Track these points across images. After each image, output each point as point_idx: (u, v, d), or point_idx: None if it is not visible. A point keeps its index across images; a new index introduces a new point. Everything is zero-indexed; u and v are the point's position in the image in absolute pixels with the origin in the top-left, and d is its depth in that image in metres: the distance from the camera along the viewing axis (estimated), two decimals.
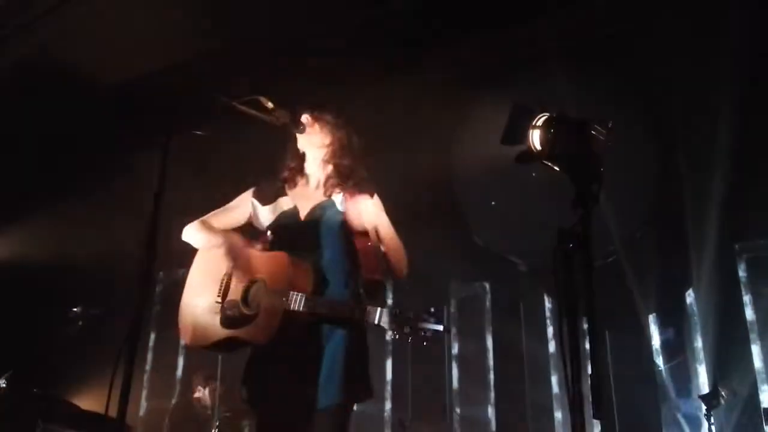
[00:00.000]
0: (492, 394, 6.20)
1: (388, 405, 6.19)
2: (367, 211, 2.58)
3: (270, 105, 2.59)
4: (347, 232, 2.61)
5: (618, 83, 4.04)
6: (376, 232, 2.59)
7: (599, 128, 1.84)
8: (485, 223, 5.47)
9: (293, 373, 2.43)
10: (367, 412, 5.97)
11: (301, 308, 2.39)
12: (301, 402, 2.40)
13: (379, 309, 2.36)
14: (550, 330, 6.16)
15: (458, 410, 6.24)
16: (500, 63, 4.60)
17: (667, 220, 5.61)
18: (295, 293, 2.41)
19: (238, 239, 2.64)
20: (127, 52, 3.66)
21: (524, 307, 6.29)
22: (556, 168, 1.92)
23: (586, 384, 1.71)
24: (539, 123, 1.91)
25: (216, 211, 2.79)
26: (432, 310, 2.36)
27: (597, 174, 1.82)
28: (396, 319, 2.34)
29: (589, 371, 1.71)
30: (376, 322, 2.35)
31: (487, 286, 6.51)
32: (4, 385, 3.28)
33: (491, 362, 6.31)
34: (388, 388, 6.23)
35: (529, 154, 1.94)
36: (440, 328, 2.35)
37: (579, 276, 1.79)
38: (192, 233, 2.71)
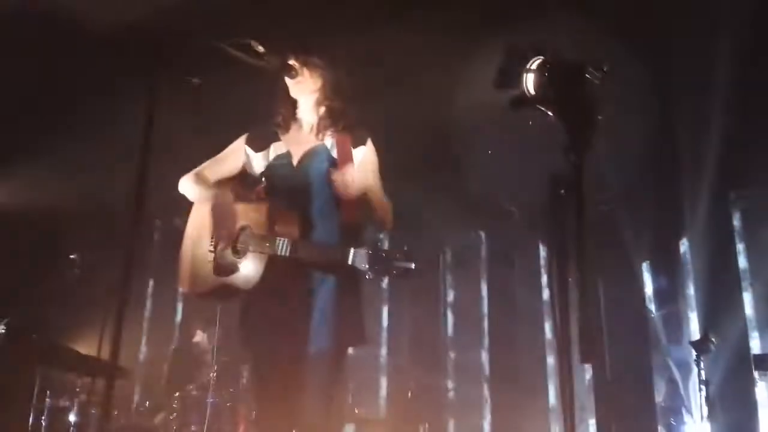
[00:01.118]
0: (486, 340, 6.31)
1: (383, 350, 6.30)
2: (360, 176, 2.56)
3: (261, 49, 2.55)
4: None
5: (616, 28, 3.96)
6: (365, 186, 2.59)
7: (594, 72, 1.80)
8: (482, 172, 5.45)
9: (285, 318, 2.45)
10: (363, 357, 6.08)
11: (286, 253, 2.40)
12: (295, 346, 2.43)
13: (352, 249, 2.36)
14: (544, 278, 6.23)
15: (452, 355, 6.35)
16: (498, 6, 4.51)
17: (662, 169, 5.60)
18: (281, 239, 2.42)
19: (228, 196, 2.63)
20: None
21: (519, 255, 6.33)
22: (550, 113, 1.89)
23: (577, 329, 1.72)
24: (533, 66, 1.87)
25: (210, 161, 2.78)
26: (405, 248, 2.37)
27: (591, 119, 1.80)
28: (369, 259, 2.34)
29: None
30: (350, 262, 2.36)
31: (483, 235, 6.55)
32: (2, 331, 3.32)
33: (486, 309, 6.39)
34: (384, 334, 6.33)
35: (523, 99, 1.91)
36: (411, 266, 2.35)
37: (570, 222, 1.78)
38: (186, 186, 2.72)
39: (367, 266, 2.32)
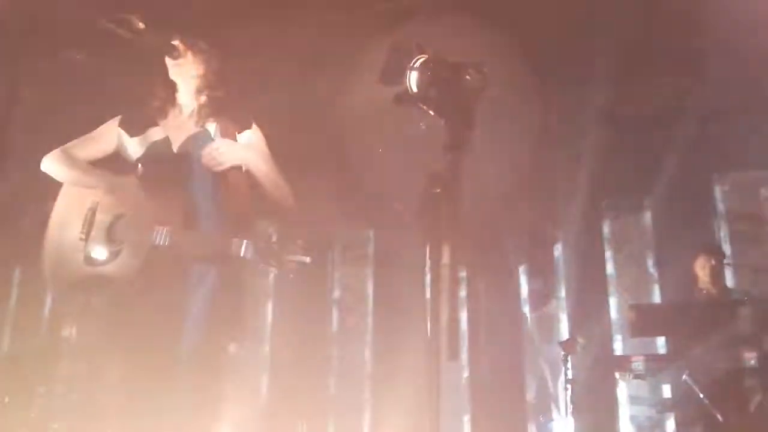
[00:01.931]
0: (369, 338, 6.35)
1: (266, 347, 6.21)
2: (237, 148, 2.51)
3: (141, 26, 2.42)
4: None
5: (497, 32, 4.10)
6: (247, 169, 2.53)
7: (474, 72, 1.85)
8: (371, 170, 5.48)
9: (162, 313, 2.35)
10: (245, 353, 5.96)
11: (165, 243, 2.30)
12: (168, 343, 2.33)
13: (245, 241, 2.30)
14: (428, 278, 6.34)
15: (335, 352, 6.36)
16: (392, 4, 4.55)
17: (540, 176, 5.85)
18: (161, 228, 2.31)
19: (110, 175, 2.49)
20: None
21: (406, 254, 6.42)
22: (431, 112, 1.92)
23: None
24: (416, 64, 1.90)
25: (79, 139, 2.62)
26: (299, 241, 2.34)
27: (469, 119, 1.84)
28: (261, 252, 2.29)
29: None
30: (241, 254, 2.30)
31: (371, 233, 6.59)
32: None
33: (371, 307, 6.44)
34: (268, 330, 6.24)
35: (406, 96, 1.93)
36: (307, 259, 2.33)
37: (446, 222, 1.82)
38: (53, 165, 2.54)
39: (260, 259, 2.26)
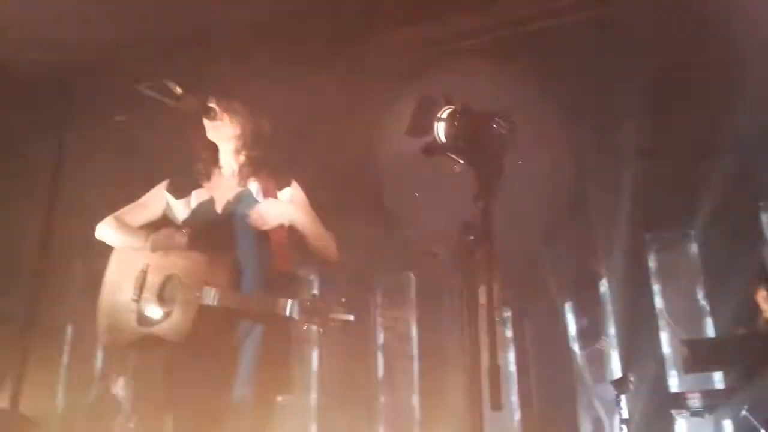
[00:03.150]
0: (416, 383, 6.29)
1: (313, 395, 6.19)
2: (281, 206, 2.57)
3: (179, 90, 2.53)
4: None
5: (530, 76, 4.13)
6: (291, 224, 2.58)
7: (501, 122, 1.87)
8: (409, 214, 5.51)
9: (212, 369, 2.40)
10: (293, 403, 5.96)
11: (215, 303, 2.36)
12: (219, 398, 2.38)
13: (290, 301, 2.35)
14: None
15: (383, 399, 6.30)
16: (424, 55, 4.64)
17: (581, 213, 5.79)
18: (210, 288, 2.37)
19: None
20: (27, 36, 3.50)
21: (448, 297, 6.39)
22: (461, 161, 1.95)
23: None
24: (444, 115, 1.94)
25: (129, 206, 2.71)
26: (342, 300, 2.38)
27: (498, 167, 1.86)
28: (306, 310, 2.34)
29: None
30: (287, 313, 2.35)
31: (412, 275, 6.58)
32: None
33: (416, 351, 6.39)
34: (314, 378, 6.23)
35: (435, 146, 1.97)
36: (350, 318, 2.37)
37: (482, 268, 1.82)
38: (106, 231, 2.63)
39: (304, 317, 2.31)
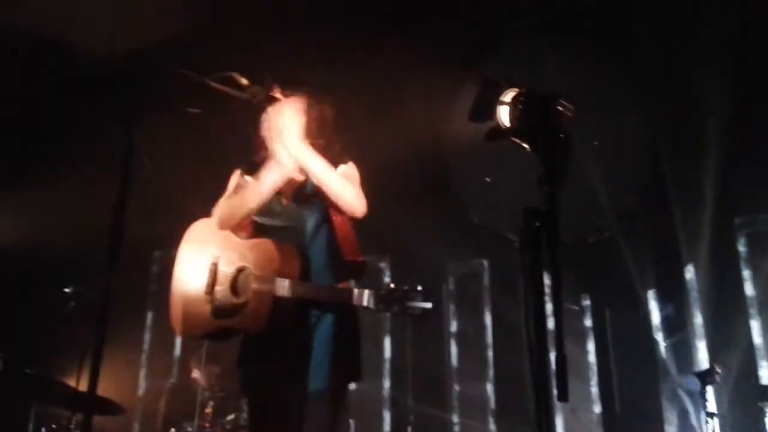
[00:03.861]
0: (491, 371, 6.21)
1: (387, 383, 6.22)
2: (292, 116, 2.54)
3: (244, 81, 2.56)
4: (328, 212, 2.58)
5: (604, 56, 3.96)
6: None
7: (566, 104, 1.79)
8: (480, 200, 5.43)
9: (284, 359, 2.43)
10: (367, 390, 6.01)
11: (287, 294, 2.38)
12: (293, 387, 2.41)
13: (366, 291, 2.34)
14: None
15: (457, 387, 6.25)
16: (489, 36, 4.53)
17: (665, 194, 5.55)
18: (282, 279, 2.39)
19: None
20: (96, 29, 3.63)
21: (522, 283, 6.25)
22: (525, 145, 1.88)
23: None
24: (507, 99, 1.87)
25: (222, 199, 2.76)
26: (419, 288, 2.34)
27: (564, 151, 1.78)
28: (383, 300, 2.32)
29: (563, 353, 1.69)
30: (364, 303, 2.34)
31: (485, 263, 6.49)
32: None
33: (490, 339, 6.31)
34: (387, 366, 6.25)
35: (498, 131, 1.90)
36: (429, 306, 2.33)
37: (547, 255, 1.76)
38: (223, 211, 2.64)
39: (382, 307, 2.30)
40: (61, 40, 3.73)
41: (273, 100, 2.62)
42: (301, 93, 2.67)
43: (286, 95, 2.65)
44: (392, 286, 2.34)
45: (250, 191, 2.59)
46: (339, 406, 2.47)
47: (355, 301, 2.34)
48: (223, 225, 2.61)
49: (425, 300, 2.33)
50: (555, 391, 1.68)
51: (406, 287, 2.32)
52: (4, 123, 4.46)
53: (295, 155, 2.53)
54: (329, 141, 2.68)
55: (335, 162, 2.63)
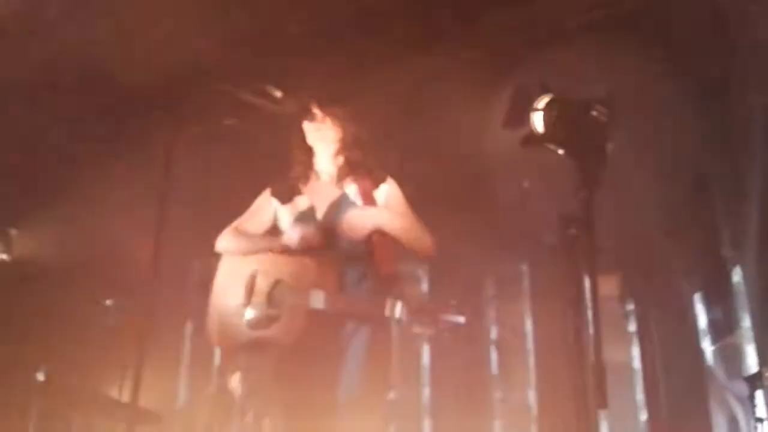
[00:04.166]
0: (533, 378, 6.12)
1: (426, 391, 6.18)
2: (367, 214, 2.55)
3: (278, 94, 2.60)
4: None
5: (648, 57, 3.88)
6: (381, 229, 2.56)
7: (601, 108, 1.77)
8: (519, 205, 5.37)
9: (317, 369, 2.44)
10: (406, 399, 5.98)
11: (322, 306, 2.40)
12: (326, 399, 2.41)
13: (399, 303, 2.35)
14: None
15: (498, 394, 6.19)
16: (528, 41, 4.48)
17: (711, 195, 5.41)
18: (317, 291, 2.41)
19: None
20: (136, 41, 3.72)
21: (564, 287, 6.15)
22: (560, 151, 1.86)
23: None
24: (540, 105, 1.85)
25: (243, 216, 2.81)
26: (453, 302, 2.35)
27: (599, 156, 1.76)
28: (414, 312, 2.34)
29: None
30: (395, 315, 2.35)
31: (525, 267, 6.41)
32: (42, 379, 3.38)
33: (531, 345, 6.23)
34: (426, 373, 6.21)
35: (533, 137, 1.89)
36: (461, 320, 2.34)
37: (583, 261, 1.74)
38: (230, 243, 2.72)
39: (413, 320, 2.30)
40: (99, 59, 3.83)
41: (310, 114, 2.65)
42: (338, 108, 2.70)
43: (324, 111, 2.67)
44: (424, 298, 2.35)
45: (246, 243, 2.66)
46: (373, 419, 2.48)
47: (388, 314, 2.35)
48: (219, 251, 2.69)
49: (458, 313, 2.33)
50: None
51: (438, 300, 2.32)
52: (45, 138, 4.59)
53: (370, 228, 2.50)
54: (364, 154, 2.70)
55: (371, 177, 2.64)
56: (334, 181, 2.70)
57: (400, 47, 4.13)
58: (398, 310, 2.34)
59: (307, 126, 2.68)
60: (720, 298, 5.80)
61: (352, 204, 2.63)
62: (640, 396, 5.87)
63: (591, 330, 1.74)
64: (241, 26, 3.80)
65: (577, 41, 3.98)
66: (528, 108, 1.88)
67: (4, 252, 5.35)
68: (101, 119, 4.44)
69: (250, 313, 2.49)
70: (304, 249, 2.53)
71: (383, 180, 2.68)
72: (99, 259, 5.04)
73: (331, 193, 2.68)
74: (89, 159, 4.79)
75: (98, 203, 4.82)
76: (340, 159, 2.70)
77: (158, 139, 2.31)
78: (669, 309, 5.88)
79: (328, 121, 2.67)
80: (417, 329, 2.39)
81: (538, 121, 1.86)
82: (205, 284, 2.75)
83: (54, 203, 5.00)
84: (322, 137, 2.68)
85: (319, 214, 2.65)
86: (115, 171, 4.55)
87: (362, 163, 2.69)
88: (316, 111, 2.66)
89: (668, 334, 5.87)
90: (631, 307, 6.22)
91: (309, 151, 2.74)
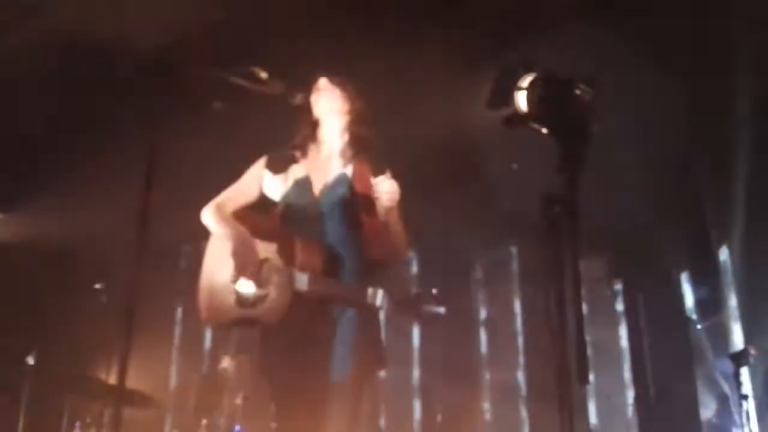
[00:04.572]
0: (521, 358, 6.18)
1: (416, 372, 6.23)
2: (386, 194, 2.50)
3: (264, 75, 2.57)
4: (356, 210, 2.58)
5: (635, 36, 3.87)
6: (386, 217, 2.55)
7: (585, 87, 1.76)
8: (507, 187, 5.37)
9: (306, 350, 2.45)
10: (396, 379, 6.03)
11: (305, 288, 2.40)
12: (315, 376, 2.43)
13: (380, 291, 2.36)
14: (571, 290, 6.06)
15: (487, 375, 6.24)
16: (515, 23, 4.46)
17: (697, 174, 5.43)
18: (301, 273, 2.41)
19: (243, 233, 2.61)
20: (124, 20, 3.69)
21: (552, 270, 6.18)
22: (544, 130, 1.86)
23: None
24: (524, 84, 1.84)
25: (230, 189, 2.77)
26: (433, 292, 2.35)
27: (584, 135, 1.76)
28: (397, 302, 2.35)
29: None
30: (377, 303, 2.35)
31: (514, 249, 6.44)
32: (31, 363, 3.38)
33: (520, 326, 6.27)
34: (416, 354, 6.26)
35: (516, 117, 1.88)
36: (441, 311, 2.35)
37: (567, 241, 1.74)
38: (207, 218, 2.71)
39: (395, 309, 2.31)
40: (82, 40, 3.79)
41: (293, 93, 2.64)
42: (348, 82, 2.69)
43: (334, 83, 2.66)
44: (408, 288, 2.36)
45: (217, 228, 2.63)
46: (361, 395, 2.48)
47: (369, 301, 2.35)
48: (205, 222, 2.68)
49: (438, 304, 2.34)
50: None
51: (420, 291, 2.33)
52: (30, 125, 4.56)
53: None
54: (370, 133, 2.69)
55: (371, 163, 2.63)
56: (336, 158, 2.69)
57: (386, 29, 4.10)
58: (379, 298, 2.35)
59: (315, 98, 2.65)
60: (706, 277, 5.86)
61: (349, 184, 2.60)
62: (627, 374, 5.92)
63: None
64: (226, 7, 3.76)
65: (562, 21, 3.97)
66: (511, 88, 1.87)
67: None
68: (87, 103, 4.40)
69: (248, 295, 2.48)
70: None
71: (382, 171, 2.65)
72: (88, 243, 5.02)
73: (329, 171, 2.63)
74: (76, 143, 4.75)
75: (86, 187, 4.78)
76: (346, 136, 2.68)
77: (145, 122, 2.28)
78: (656, 288, 5.93)
79: (338, 91, 2.66)
80: (398, 317, 2.40)
81: (521, 100, 1.84)
82: (194, 268, 2.74)
83: (42, 188, 4.97)
84: (332, 107, 2.64)
85: (316, 189, 2.62)
86: (103, 155, 4.52)
87: (369, 142, 2.68)
88: (323, 82, 2.65)
89: (656, 313, 5.92)
90: (618, 287, 6.27)
91: (314, 125, 2.73)
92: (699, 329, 5.88)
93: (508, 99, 1.87)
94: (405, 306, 2.33)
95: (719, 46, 4.29)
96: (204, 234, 2.75)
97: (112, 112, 4.16)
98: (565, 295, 1.75)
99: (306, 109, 2.68)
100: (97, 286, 3.98)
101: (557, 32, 4.02)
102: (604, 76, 1.86)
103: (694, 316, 5.95)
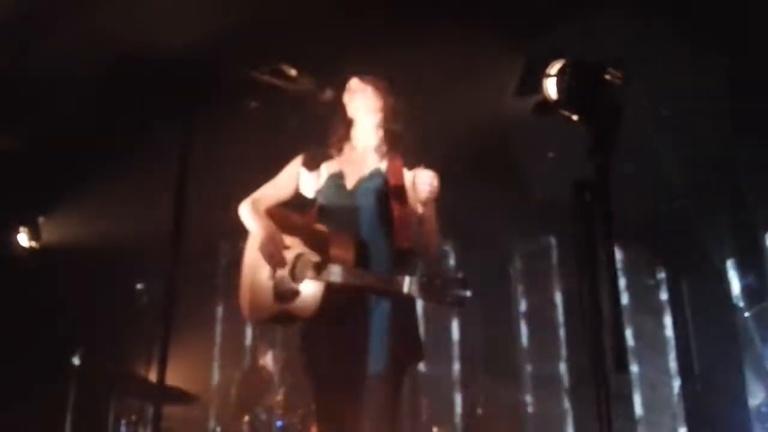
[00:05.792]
0: (563, 350, 6.11)
1: (456, 365, 6.20)
2: (425, 186, 2.48)
3: (293, 72, 2.58)
4: (388, 202, 2.58)
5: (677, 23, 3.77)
6: (421, 212, 2.54)
7: (614, 71, 1.73)
8: (545, 176, 5.31)
9: (343, 343, 2.47)
10: (437, 373, 6.02)
11: (339, 280, 2.41)
12: (354, 369, 2.44)
13: (408, 278, 2.36)
14: (622, 281, 5.98)
15: (529, 367, 6.19)
16: (549, 9, 4.39)
17: (740, 160, 5.28)
18: (334, 266, 2.42)
19: (272, 229, 2.64)
20: (156, 23, 3.73)
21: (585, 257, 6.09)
22: (574, 117, 1.83)
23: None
24: (553, 71, 1.82)
25: (267, 185, 2.81)
26: (459, 276, 2.34)
27: (614, 119, 1.73)
28: (424, 288, 2.34)
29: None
30: (405, 290, 2.35)
31: (553, 240, 6.37)
32: (77, 363, 3.46)
33: (561, 317, 6.20)
34: (456, 348, 6.23)
35: (546, 104, 1.86)
36: (467, 294, 2.33)
37: (599, 227, 1.72)
38: (243, 212, 2.75)
39: (422, 295, 2.31)
40: (117, 43, 3.86)
41: (323, 90, 2.65)
42: (381, 82, 2.70)
43: (365, 81, 2.68)
44: (433, 273, 2.36)
45: (250, 224, 2.68)
46: (399, 387, 2.49)
47: (405, 290, 2.35)
48: (241, 218, 2.72)
49: (464, 288, 2.33)
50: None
51: (446, 276, 2.32)
52: (68, 126, 4.65)
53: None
54: (404, 129, 2.70)
55: (404, 158, 2.63)
56: (371, 154, 2.68)
57: (416, 21, 4.08)
58: (408, 284, 2.35)
59: (348, 98, 2.68)
60: (753, 264, 5.71)
61: (384, 179, 2.61)
62: (673, 364, 5.81)
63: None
64: (254, 7, 3.79)
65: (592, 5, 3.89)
66: (540, 75, 1.85)
67: (33, 239, 5.47)
68: (124, 104, 4.48)
69: (285, 290, 2.51)
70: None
71: (416, 165, 2.65)
72: (128, 243, 5.11)
73: (364, 166, 2.66)
74: (114, 145, 4.84)
75: (125, 188, 4.87)
76: (380, 132, 2.68)
77: (180, 122, 2.31)
78: (701, 276, 5.79)
79: (370, 90, 2.68)
80: (426, 302, 2.39)
81: (551, 87, 1.82)
82: (233, 266, 2.77)
83: (82, 190, 5.07)
84: (366, 105, 2.66)
85: (349, 183, 2.64)
86: (141, 155, 4.59)
87: (402, 138, 2.69)
88: (355, 82, 2.67)
89: (701, 301, 5.79)
90: (662, 275, 6.15)
91: (348, 124, 2.74)
92: (746, 316, 5.73)
93: (538, 86, 1.85)
94: (430, 291, 2.32)
95: (761, 22, 4.15)
96: (243, 232, 2.78)
97: (147, 113, 4.23)
98: (600, 283, 1.72)
99: (339, 109, 2.70)
100: (139, 286, 4.06)
101: (593, 14, 3.95)
102: (639, 58, 1.83)
103: (741, 303, 5.80)
